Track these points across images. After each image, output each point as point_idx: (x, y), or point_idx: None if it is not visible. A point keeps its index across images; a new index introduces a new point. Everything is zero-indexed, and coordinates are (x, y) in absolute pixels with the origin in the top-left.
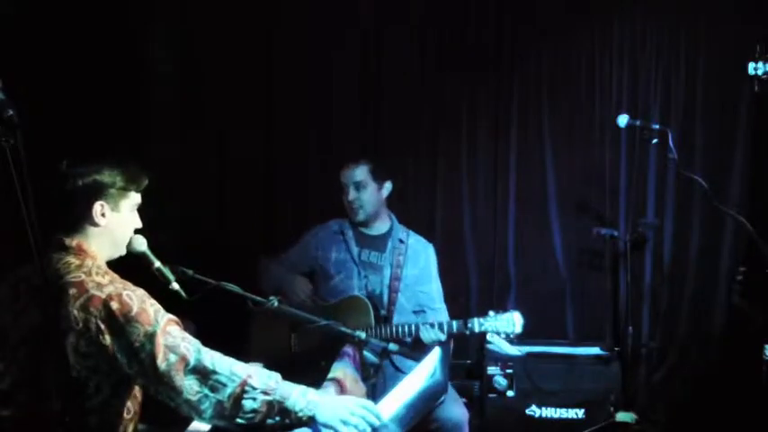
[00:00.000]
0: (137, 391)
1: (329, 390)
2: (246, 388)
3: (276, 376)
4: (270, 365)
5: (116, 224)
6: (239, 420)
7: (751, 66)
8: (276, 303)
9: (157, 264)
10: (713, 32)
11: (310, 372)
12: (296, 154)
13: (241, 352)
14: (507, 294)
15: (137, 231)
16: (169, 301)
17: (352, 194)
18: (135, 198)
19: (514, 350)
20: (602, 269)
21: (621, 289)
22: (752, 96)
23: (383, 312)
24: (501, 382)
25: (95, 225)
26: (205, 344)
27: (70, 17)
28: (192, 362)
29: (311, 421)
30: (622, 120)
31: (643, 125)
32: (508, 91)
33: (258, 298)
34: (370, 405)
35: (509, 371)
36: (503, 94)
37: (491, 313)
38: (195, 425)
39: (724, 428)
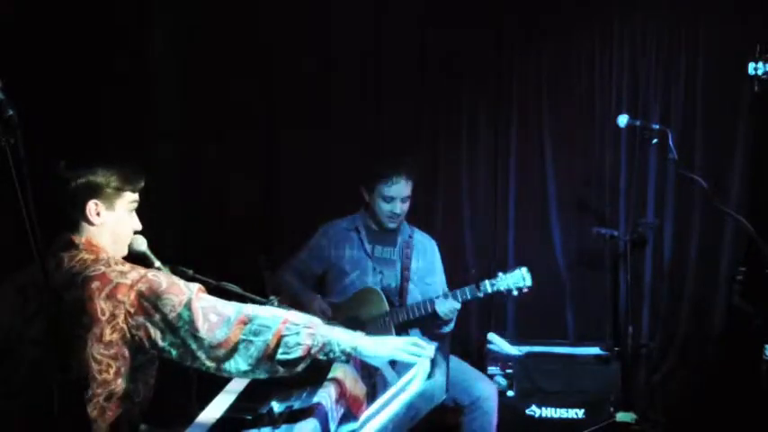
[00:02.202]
0: (149, 376)
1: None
2: (289, 325)
3: (315, 318)
4: None
5: (112, 223)
6: (284, 357)
7: (751, 66)
8: (276, 304)
9: (157, 264)
10: (713, 32)
11: (312, 370)
12: (295, 154)
13: None
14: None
15: (136, 232)
16: None
17: (400, 208)
18: (130, 197)
19: (514, 350)
20: (602, 269)
21: (621, 289)
22: (752, 96)
23: (396, 303)
24: (501, 382)
25: (91, 224)
26: None
27: (70, 16)
28: (234, 315)
29: (351, 357)
30: (622, 120)
31: (643, 125)
32: (508, 91)
33: (258, 298)
34: (418, 340)
35: (509, 371)
36: (503, 93)
37: (500, 274)
38: (196, 424)
39: (724, 429)
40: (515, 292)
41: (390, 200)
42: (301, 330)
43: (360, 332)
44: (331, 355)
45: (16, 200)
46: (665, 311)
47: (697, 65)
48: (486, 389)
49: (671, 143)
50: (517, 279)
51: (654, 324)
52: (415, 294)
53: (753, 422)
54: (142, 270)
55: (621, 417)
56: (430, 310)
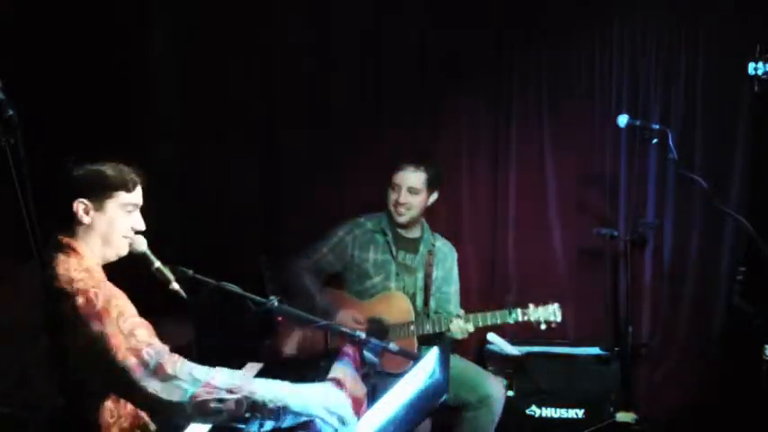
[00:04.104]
0: None
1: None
2: (209, 389)
3: (240, 374)
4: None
5: (101, 223)
6: (203, 422)
7: (751, 66)
8: (276, 303)
9: (157, 264)
10: (713, 32)
11: (310, 372)
12: (295, 154)
13: (242, 351)
14: (507, 294)
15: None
16: (169, 301)
17: (403, 197)
18: (123, 198)
19: (514, 350)
20: (602, 269)
21: (621, 289)
22: (752, 96)
23: (422, 312)
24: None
25: (80, 224)
26: (205, 344)
27: (70, 16)
28: (152, 365)
29: (284, 412)
30: (622, 120)
31: (643, 125)
32: (508, 91)
33: (258, 298)
34: (345, 407)
35: (509, 371)
36: (503, 93)
37: (531, 306)
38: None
39: (724, 428)
40: (543, 326)
41: (396, 188)
42: (223, 396)
43: (287, 383)
44: (258, 415)
45: (16, 200)
46: (665, 311)
47: (697, 65)
48: (497, 389)
49: (671, 143)
50: (549, 314)
51: (654, 324)
52: (431, 303)
53: (753, 422)
54: (90, 283)
55: (621, 417)
56: (444, 327)
